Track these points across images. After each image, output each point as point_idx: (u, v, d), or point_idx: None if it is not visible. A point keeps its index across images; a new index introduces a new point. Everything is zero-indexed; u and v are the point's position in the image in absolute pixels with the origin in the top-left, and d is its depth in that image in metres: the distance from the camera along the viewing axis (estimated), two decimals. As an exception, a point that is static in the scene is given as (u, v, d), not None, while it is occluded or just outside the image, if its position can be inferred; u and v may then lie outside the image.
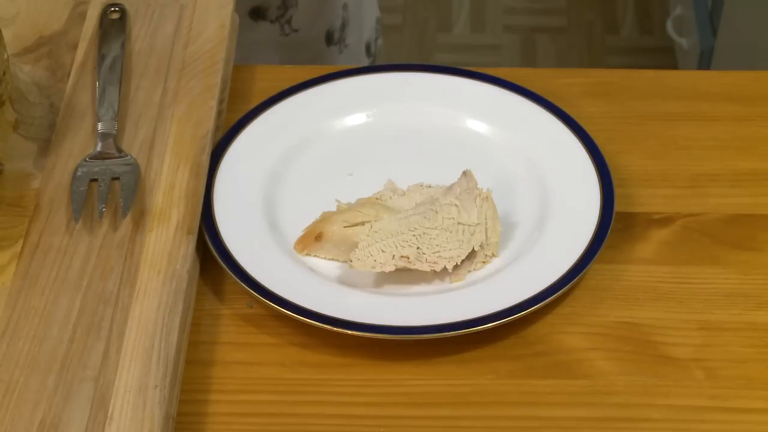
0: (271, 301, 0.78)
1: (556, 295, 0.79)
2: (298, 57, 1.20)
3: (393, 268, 0.80)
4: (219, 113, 0.90)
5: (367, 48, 1.29)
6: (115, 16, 0.94)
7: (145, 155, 0.85)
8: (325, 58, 1.22)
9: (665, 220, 0.86)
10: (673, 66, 2.29)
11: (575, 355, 0.78)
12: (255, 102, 0.92)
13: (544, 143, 0.89)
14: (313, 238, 0.83)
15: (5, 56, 0.85)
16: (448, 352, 0.78)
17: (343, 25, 1.23)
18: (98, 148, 0.85)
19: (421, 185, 0.86)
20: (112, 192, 0.82)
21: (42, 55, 0.93)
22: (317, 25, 1.21)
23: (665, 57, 2.35)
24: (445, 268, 0.81)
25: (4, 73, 0.84)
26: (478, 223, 0.82)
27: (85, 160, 0.84)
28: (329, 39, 1.22)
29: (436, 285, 0.81)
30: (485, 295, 0.79)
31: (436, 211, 0.82)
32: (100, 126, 0.86)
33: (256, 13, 1.18)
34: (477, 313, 0.78)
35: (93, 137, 0.86)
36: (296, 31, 1.19)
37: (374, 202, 0.85)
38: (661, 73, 0.98)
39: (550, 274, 0.80)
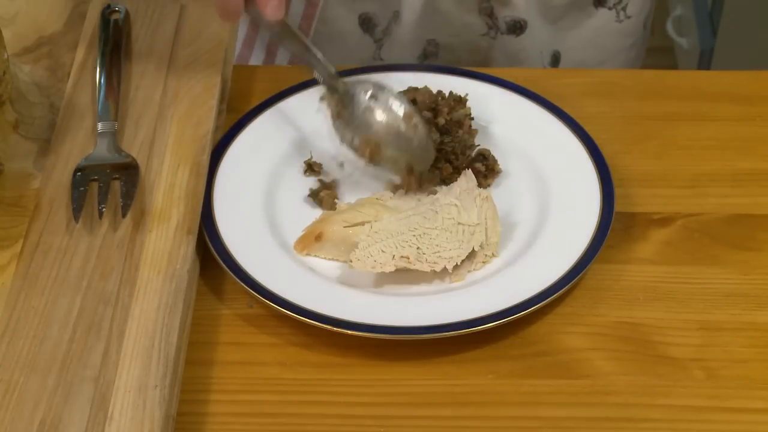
0: (271, 301, 0.78)
1: (556, 295, 0.79)
2: None
3: (393, 268, 0.80)
4: (219, 113, 0.90)
5: None
6: (116, 16, 0.94)
7: (145, 155, 0.85)
8: None
9: (665, 220, 0.86)
10: (673, 66, 2.29)
11: (575, 355, 0.78)
12: (255, 102, 0.92)
13: (544, 143, 0.89)
14: (313, 238, 0.83)
15: (5, 56, 0.85)
16: (448, 352, 0.78)
17: None
18: (98, 148, 0.85)
19: (421, 185, 0.86)
20: (112, 192, 0.82)
21: (42, 55, 0.93)
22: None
23: (665, 57, 2.34)
24: (445, 268, 0.81)
25: (4, 73, 0.84)
26: (478, 223, 0.82)
27: (85, 160, 0.84)
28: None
29: (436, 285, 0.81)
30: (485, 295, 0.79)
31: (436, 211, 0.82)
32: (100, 126, 0.86)
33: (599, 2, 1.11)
34: (477, 313, 0.77)
35: (93, 137, 0.86)
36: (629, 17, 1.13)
37: (374, 202, 0.85)
38: (661, 73, 0.98)
39: (550, 274, 0.80)
